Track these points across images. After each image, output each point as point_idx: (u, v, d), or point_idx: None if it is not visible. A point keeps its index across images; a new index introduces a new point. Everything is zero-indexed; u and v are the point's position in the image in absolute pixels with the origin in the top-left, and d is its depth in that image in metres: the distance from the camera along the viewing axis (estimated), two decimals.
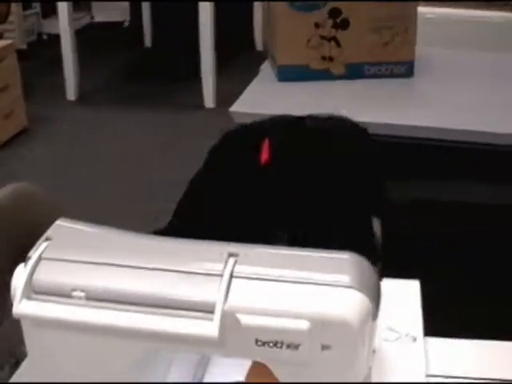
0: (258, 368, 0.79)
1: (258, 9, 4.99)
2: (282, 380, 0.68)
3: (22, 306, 0.68)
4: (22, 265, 0.72)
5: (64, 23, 4.06)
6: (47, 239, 0.72)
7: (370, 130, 1.46)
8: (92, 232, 0.74)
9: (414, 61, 2.15)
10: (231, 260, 0.68)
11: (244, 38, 5.13)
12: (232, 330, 0.65)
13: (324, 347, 0.65)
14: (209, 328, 0.64)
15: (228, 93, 4.03)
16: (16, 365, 0.94)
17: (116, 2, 5.77)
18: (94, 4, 5.82)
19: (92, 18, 5.82)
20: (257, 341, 0.65)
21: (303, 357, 0.65)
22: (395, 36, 2.11)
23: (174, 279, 0.67)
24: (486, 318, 1.99)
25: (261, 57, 3.15)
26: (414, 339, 0.83)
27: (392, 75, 2.15)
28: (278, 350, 0.65)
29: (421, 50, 2.16)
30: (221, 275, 0.67)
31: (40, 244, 0.71)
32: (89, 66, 4.42)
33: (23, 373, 0.86)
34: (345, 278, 0.66)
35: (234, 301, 0.65)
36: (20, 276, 0.70)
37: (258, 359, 0.68)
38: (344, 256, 0.69)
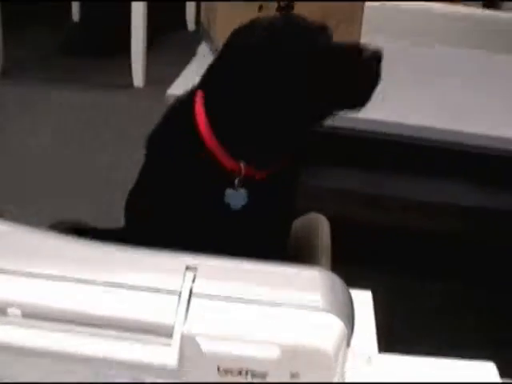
0: None
1: None
2: None
3: None
4: None
5: None
6: None
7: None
8: (29, 236, 0.65)
9: None
10: (189, 274, 0.61)
11: (175, 17, 5.00)
12: (192, 357, 0.57)
13: (293, 375, 0.59)
14: (167, 355, 0.56)
15: (158, 73, 3.93)
16: None
17: None
18: None
19: None
20: (219, 368, 0.58)
21: None
22: (340, 23, 2.05)
23: (125, 296, 0.59)
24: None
25: (193, 37, 3.06)
26: (369, 360, 0.77)
27: None
28: (242, 378, 0.58)
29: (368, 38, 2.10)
30: (179, 292, 0.59)
31: None
32: (11, 41, 4.20)
33: None
34: (318, 300, 0.60)
35: (195, 323, 0.58)
36: None
37: None
38: (314, 273, 0.63)
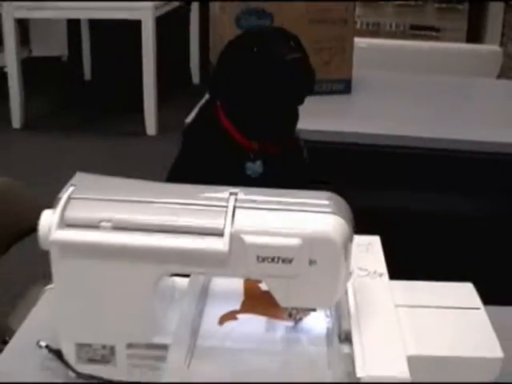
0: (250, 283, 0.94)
1: (194, 43, 5.18)
2: (276, 292, 0.82)
3: (56, 235, 0.80)
4: (46, 210, 0.84)
5: (11, 55, 4.15)
6: (72, 185, 0.85)
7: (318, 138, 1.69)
8: (110, 179, 0.88)
9: (352, 79, 2.36)
10: (233, 197, 0.83)
11: (181, 72, 5.30)
12: (237, 249, 0.79)
13: (311, 262, 0.80)
14: (220, 244, 0.78)
15: (168, 122, 4.19)
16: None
17: (54, 37, 5.86)
18: (32, 38, 5.89)
19: (30, 52, 5.88)
20: (258, 257, 0.79)
21: (294, 270, 0.80)
22: (334, 55, 2.31)
23: (187, 211, 0.82)
24: None
25: (198, 89, 3.30)
26: (381, 275, 0.98)
27: (332, 92, 2.34)
28: (274, 264, 0.79)
29: (357, 72, 2.37)
30: (226, 206, 0.81)
31: (67, 188, 0.84)
32: (31, 98, 4.50)
33: (49, 300, 0.97)
34: (328, 207, 0.82)
35: (239, 225, 0.80)
36: (48, 215, 0.82)
37: (258, 275, 0.81)
38: (326, 193, 0.85)
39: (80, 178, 0.88)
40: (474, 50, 3.49)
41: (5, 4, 4.11)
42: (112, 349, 0.87)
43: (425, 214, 2.23)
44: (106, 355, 0.87)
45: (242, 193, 0.84)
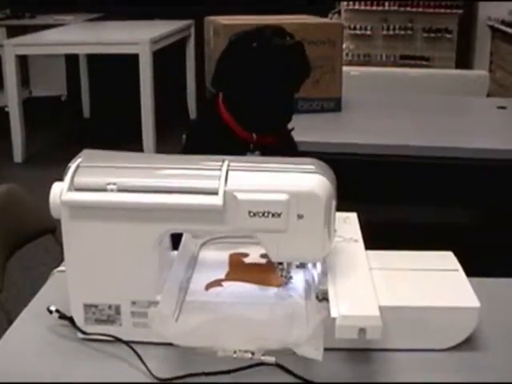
0: (235, 257, 1.02)
1: (190, 79, 5.32)
2: (267, 247, 0.90)
3: (66, 197, 0.88)
4: (56, 182, 0.93)
5: (12, 94, 4.26)
6: (80, 157, 0.93)
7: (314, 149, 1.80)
8: (114, 152, 0.96)
9: (342, 97, 2.45)
10: (226, 162, 0.91)
11: (178, 105, 5.42)
12: (231, 205, 0.87)
13: (299, 216, 0.88)
14: (215, 200, 0.86)
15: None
16: None
17: (53, 77, 6.01)
18: (31, 79, 6.03)
19: (30, 92, 6.02)
20: (249, 212, 0.87)
21: (283, 224, 0.88)
22: (325, 74, 2.41)
23: (185, 175, 0.90)
24: None
25: None
26: (356, 240, 1.05)
27: (323, 110, 2.44)
28: (265, 219, 0.87)
29: (348, 94, 2.48)
30: (220, 169, 0.89)
31: (75, 159, 0.93)
32: (32, 135, 4.61)
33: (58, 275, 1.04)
34: (312, 169, 0.90)
35: (232, 185, 0.88)
36: (58, 186, 0.91)
37: (250, 230, 0.89)
38: (311, 159, 0.93)
39: (87, 153, 0.96)
40: (461, 74, 3.62)
41: (5, 41, 4.25)
42: (117, 308, 0.94)
43: (418, 226, 2.30)
44: (112, 315, 0.94)
45: (233, 160, 0.92)
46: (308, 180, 0.88)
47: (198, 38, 4.80)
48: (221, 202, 0.86)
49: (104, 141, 4.99)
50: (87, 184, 0.89)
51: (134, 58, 4.18)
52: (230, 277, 1.03)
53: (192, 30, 5.23)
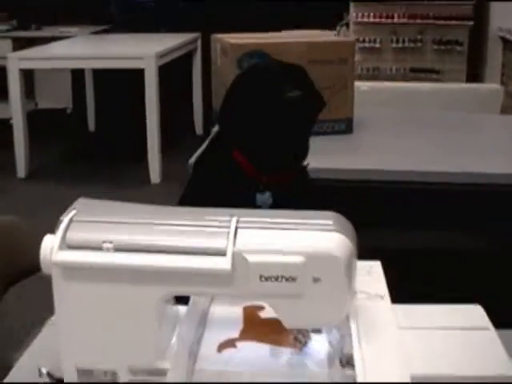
0: (249, 311, 0.93)
1: (196, 95, 5.24)
2: (280, 313, 0.81)
3: (58, 256, 0.80)
4: (47, 235, 0.84)
5: (16, 107, 4.19)
6: (74, 209, 0.85)
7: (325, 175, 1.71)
8: (112, 203, 0.87)
9: (353, 118, 2.36)
10: (234, 218, 0.82)
11: (184, 122, 5.35)
12: (240, 268, 0.78)
13: (315, 280, 0.79)
14: (222, 263, 0.77)
15: (171, 171, 4.20)
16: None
17: (59, 90, 5.94)
18: (37, 91, 5.97)
19: (36, 104, 5.96)
20: (261, 277, 0.78)
21: (298, 289, 0.79)
22: (335, 95, 2.32)
23: (189, 232, 0.81)
24: None
25: (201, 140, 3.33)
26: (382, 297, 0.96)
27: (333, 132, 2.35)
28: (278, 283, 0.78)
29: (359, 112, 2.39)
30: (228, 227, 0.81)
31: (69, 211, 0.84)
32: (36, 149, 4.54)
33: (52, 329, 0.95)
34: (331, 226, 0.81)
35: (242, 245, 0.79)
36: (50, 239, 0.82)
37: (262, 295, 0.80)
38: (328, 213, 0.84)
39: (82, 202, 0.87)
40: (474, 88, 3.52)
41: (10, 55, 4.18)
42: (114, 375, 0.85)
43: (426, 251, 2.22)
44: (108, 382, 0.86)
45: (243, 214, 0.83)
46: (326, 239, 0.79)
47: (205, 51, 4.73)
48: (229, 265, 0.77)
49: (109, 155, 4.92)
50: (81, 242, 0.81)
51: (140, 72, 4.11)
52: (244, 335, 0.93)
53: (198, 44, 5.16)
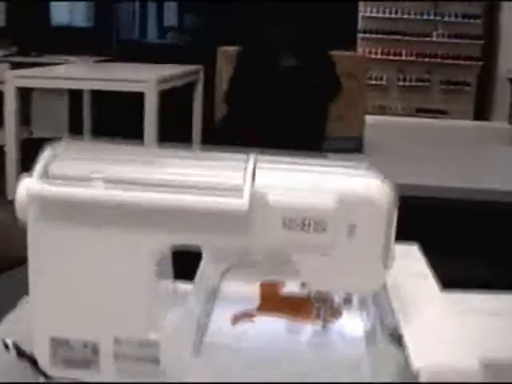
0: (267, 287, 0.78)
1: (197, 109, 5.14)
2: (305, 271, 0.66)
3: (36, 188, 0.65)
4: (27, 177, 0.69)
5: (10, 132, 4.07)
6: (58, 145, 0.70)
7: None
8: (105, 144, 0.73)
9: (364, 137, 2.24)
10: (252, 157, 0.68)
11: (183, 135, 5.24)
12: (259, 210, 0.63)
13: (350, 231, 0.64)
14: (237, 202, 0.62)
15: None
16: None
17: (55, 118, 5.85)
18: (33, 120, 5.87)
19: (31, 133, 5.84)
20: (284, 221, 0.63)
21: (329, 241, 0.64)
22: (347, 109, 2.20)
23: (197, 167, 0.67)
24: None
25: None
26: (425, 276, 0.81)
27: (343, 150, 2.22)
28: (304, 233, 0.64)
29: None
30: (245, 161, 0.66)
31: (53, 148, 0.70)
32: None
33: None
34: (369, 172, 0.67)
35: (261, 182, 0.64)
36: (28, 180, 0.68)
37: (284, 246, 0.65)
38: (364, 164, 0.70)
39: (68, 141, 0.73)
40: (483, 126, 3.42)
41: (7, 73, 4.07)
42: (95, 348, 0.69)
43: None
44: (88, 356, 0.70)
45: (261, 155, 0.69)
46: (364, 183, 0.65)
47: (207, 83, 4.64)
48: (246, 205, 0.62)
49: None
50: (65, 173, 0.66)
51: (139, 104, 3.98)
52: (262, 309, 0.78)
53: (201, 75, 5.07)
